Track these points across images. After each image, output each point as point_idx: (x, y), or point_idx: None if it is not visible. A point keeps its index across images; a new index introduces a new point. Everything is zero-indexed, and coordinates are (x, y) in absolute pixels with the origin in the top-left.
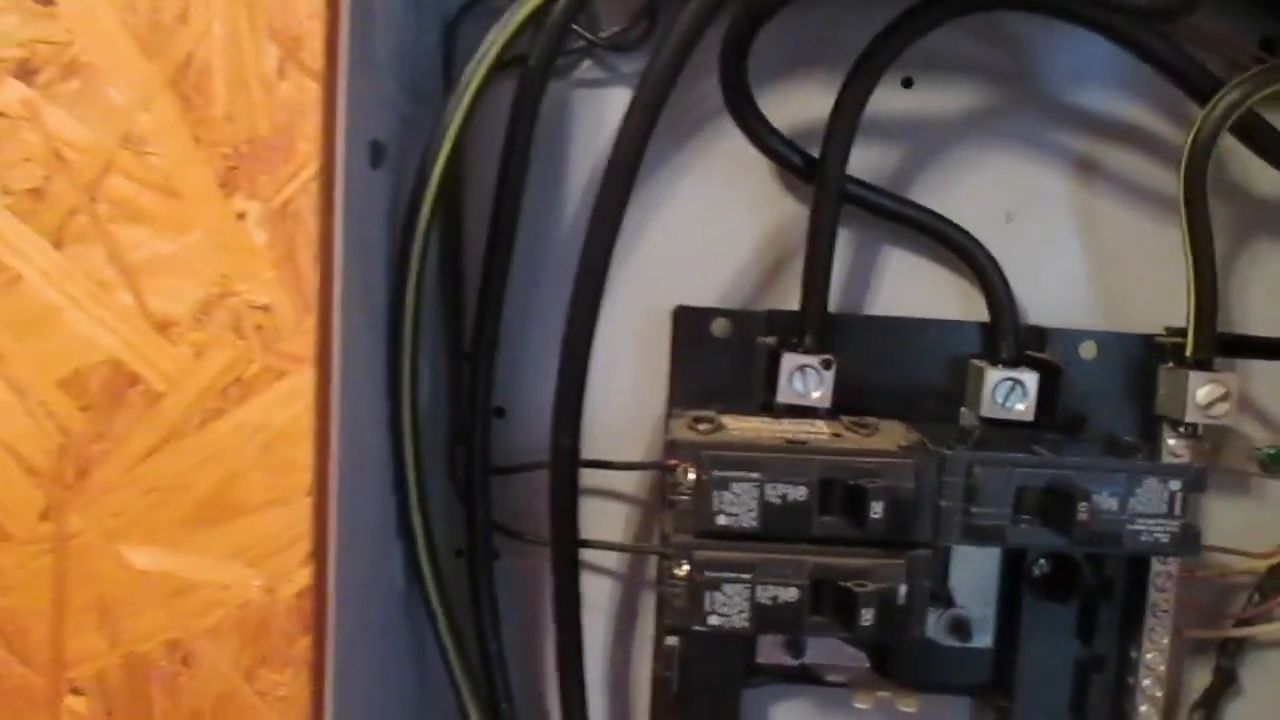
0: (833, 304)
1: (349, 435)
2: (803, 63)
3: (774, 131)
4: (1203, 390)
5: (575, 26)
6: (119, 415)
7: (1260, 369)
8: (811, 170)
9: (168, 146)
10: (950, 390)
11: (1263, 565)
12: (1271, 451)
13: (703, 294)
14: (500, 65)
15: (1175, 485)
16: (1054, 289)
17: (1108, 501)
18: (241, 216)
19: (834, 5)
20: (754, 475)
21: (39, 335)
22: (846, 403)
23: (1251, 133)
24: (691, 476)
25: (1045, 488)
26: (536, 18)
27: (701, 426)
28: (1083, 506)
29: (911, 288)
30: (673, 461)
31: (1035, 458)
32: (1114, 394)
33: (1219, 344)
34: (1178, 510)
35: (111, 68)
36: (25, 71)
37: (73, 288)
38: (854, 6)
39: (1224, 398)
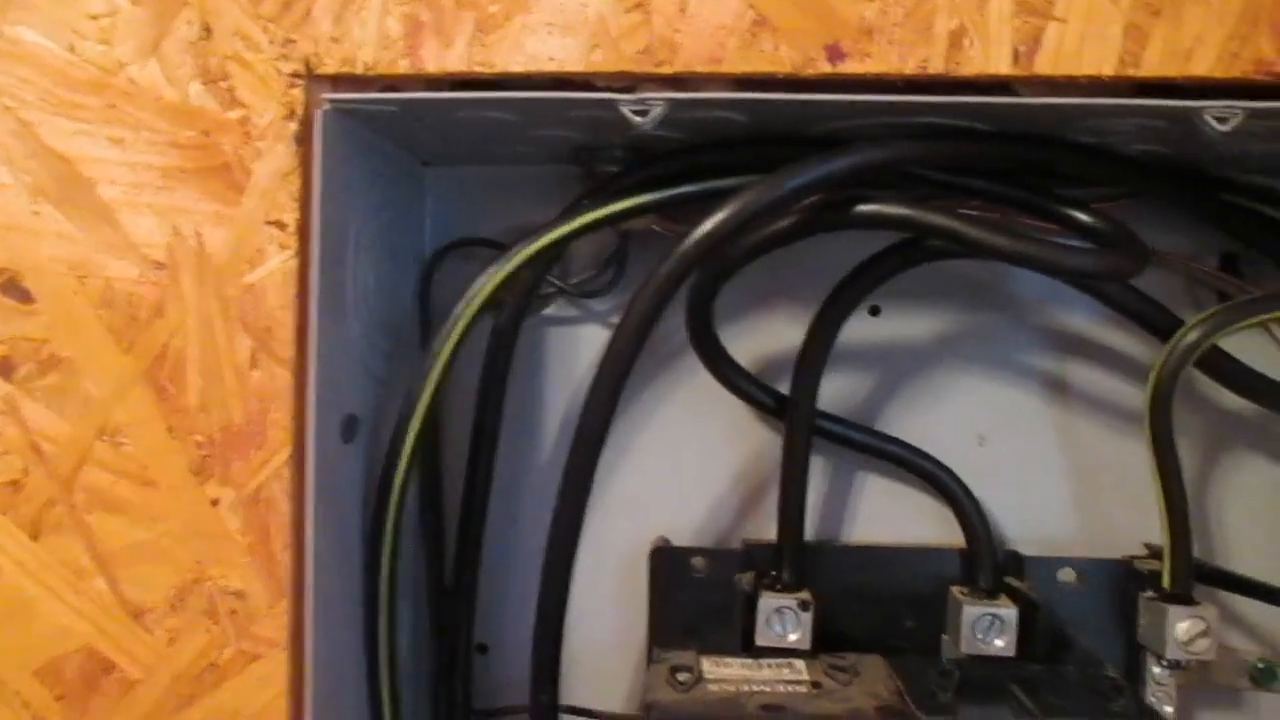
0: (810, 531)
1: (326, 713)
2: (770, 295)
3: (743, 373)
4: (1182, 626)
5: (550, 277)
6: (94, 703)
7: (1244, 570)
8: (782, 407)
9: (143, 436)
10: (932, 616)
11: None
12: (1262, 665)
13: (681, 526)
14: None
15: None
16: (1031, 510)
17: None
18: (215, 503)
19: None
20: None
21: (16, 625)
22: (829, 630)
23: (1214, 366)
24: None
25: None
26: (516, 273)
27: (681, 677)
28: None
29: (890, 513)
30: None
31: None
32: (1096, 620)
33: (1197, 574)
34: None
35: (88, 361)
36: (4, 367)
37: (49, 577)
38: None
39: (1204, 633)
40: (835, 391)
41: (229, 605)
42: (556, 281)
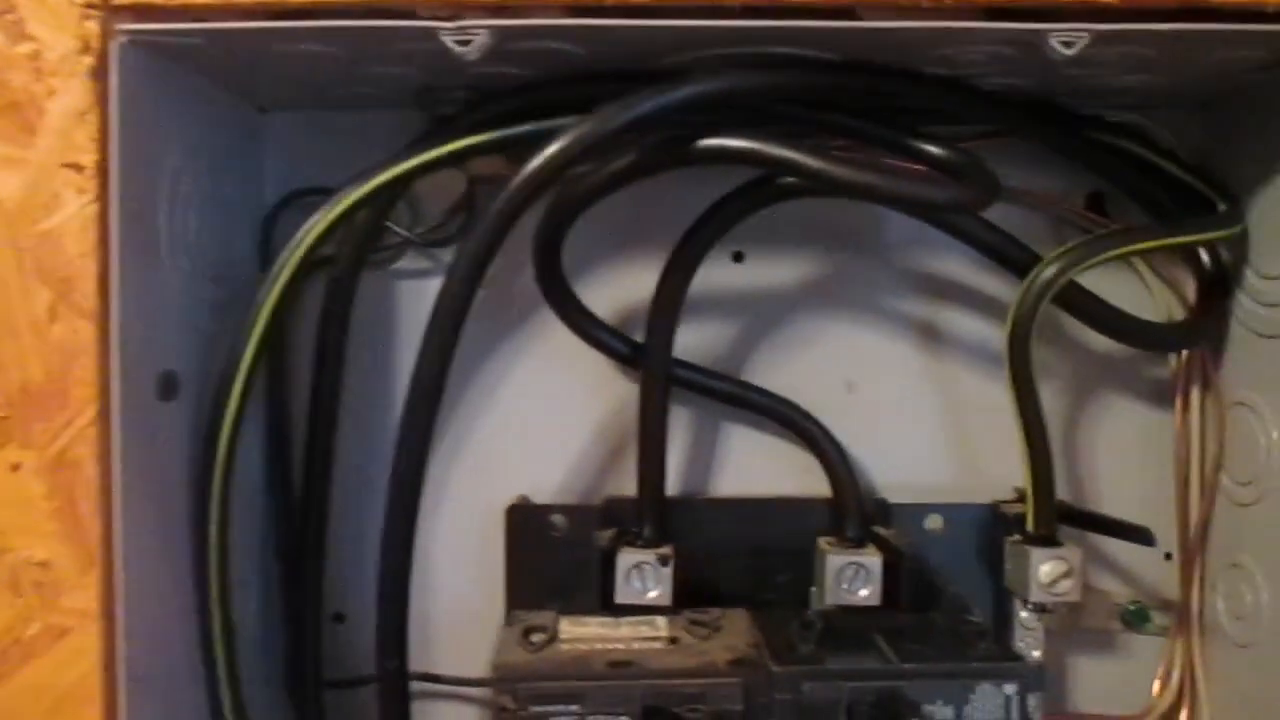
0: (676, 486)
1: (145, 686)
2: (627, 241)
3: (596, 320)
4: (1045, 568)
5: (390, 224)
6: None
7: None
8: (638, 357)
9: None
10: (803, 568)
11: None
12: (1133, 606)
13: (544, 484)
14: (313, 264)
15: (1010, 689)
16: (902, 457)
17: (942, 712)
18: (16, 468)
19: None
20: (573, 708)
21: None
22: (695, 588)
23: (1073, 303)
24: (510, 709)
25: (876, 701)
26: (348, 217)
27: (534, 639)
28: None
29: (758, 464)
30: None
31: (865, 669)
32: (964, 566)
33: (1061, 515)
34: (1015, 715)
35: None
36: None
37: None
38: (675, 183)
39: (1067, 574)
40: (699, 340)
41: (34, 577)
42: (402, 231)
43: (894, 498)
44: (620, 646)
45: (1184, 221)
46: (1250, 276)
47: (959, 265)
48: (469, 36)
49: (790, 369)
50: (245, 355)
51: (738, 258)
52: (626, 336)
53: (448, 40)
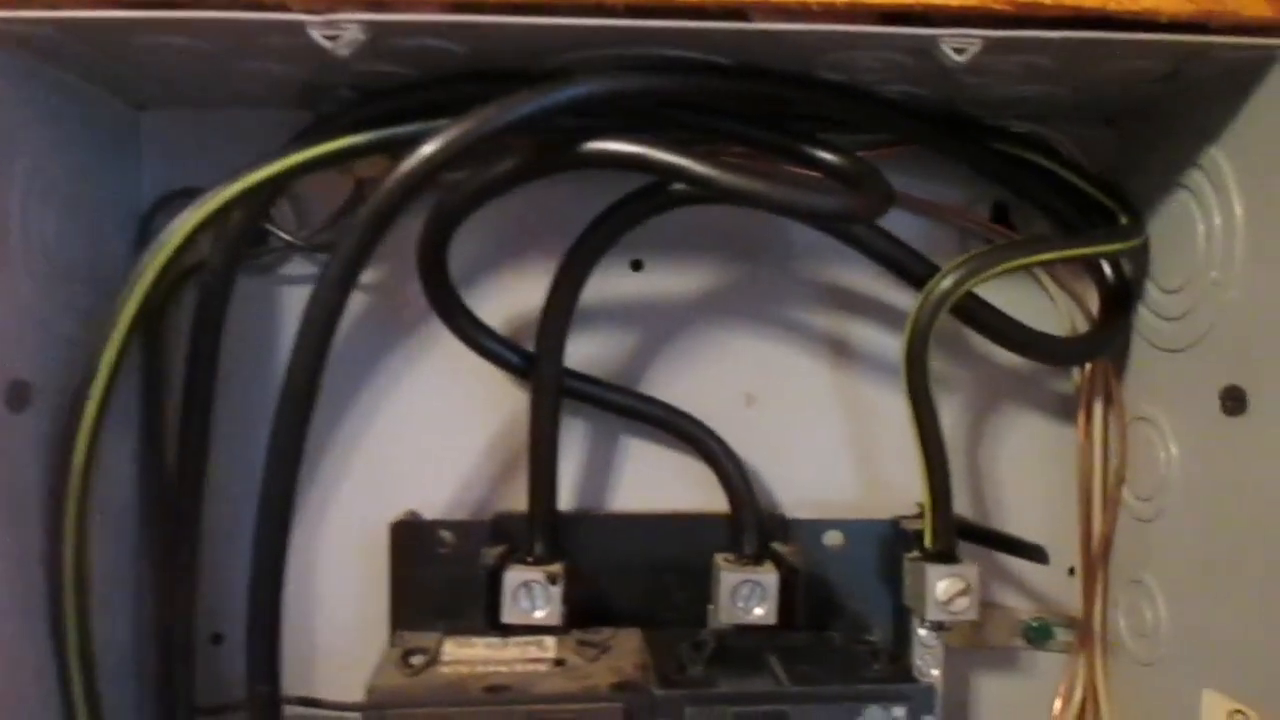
0: (570, 501)
1: None
2: (522, 248)
3: (484, 329)
4: (941, 585)
5: (271, 227)
6: None
7: (1017, 528)
8: (530, 368)
9: None
10: (701, 586)
11: None
12: (1036, 623)
13: (434, 500)
14: (193, 267)
15: (899, 712)
16: (804, 472)
17: None
18: None
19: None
20: None
21: None
22: (589, 606)
23: (972, 316)
24: None
25: None
26: (219, 218)
27: (414, 661)
28: None
29: (656, 479)
30: None
31: (750, 692)
32: (865, 583)
33: (959, 531)
34: None
35: None
36: None
37: None
38: (574, 187)
39: (963, 592)
40: (596, 351)
41: None
42: (284, 234)
43: (795, 513)
44: (503, 669)
45: (1085, 234)
46: (1151, 290)
47: (864, 276)
48: (338, 31)
49: (690, 380)
50: (102, 362)
51: (636, 266)
52: (518, 346)
53: (316, 35)
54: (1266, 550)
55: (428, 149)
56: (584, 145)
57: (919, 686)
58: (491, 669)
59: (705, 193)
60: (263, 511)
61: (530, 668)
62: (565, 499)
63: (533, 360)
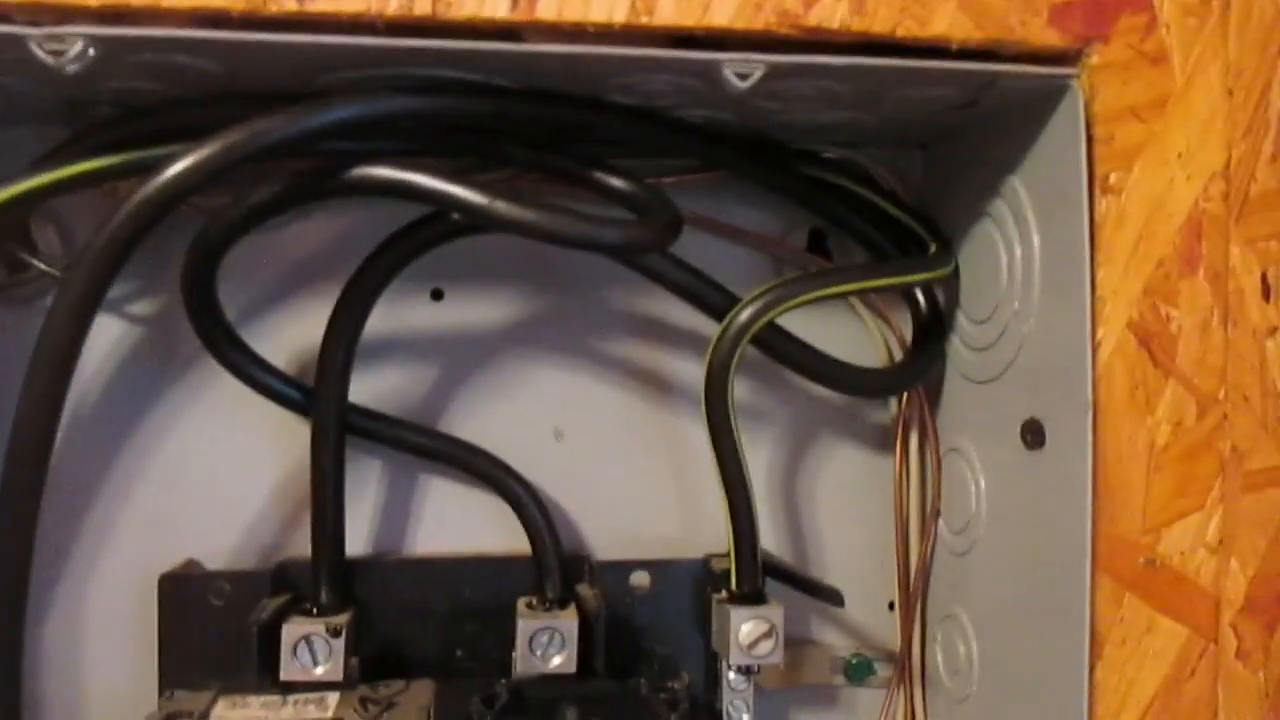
0: (366, 545)
1: None
2: (310, 278)
3: (260, 363)
4: (745, 628)
5: (24, 255)
6: None
7: (837, 563)
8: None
9: None
10: (505, 632)
11: None
12: (855, 659)
13: (216, 548)
14: None
15: None
16: (617, 509)
17: None
18: None
19: (336, 214)
20: None
21: None
22: (387, 655)
23: (775, 348)
24: None
25: None
26: None
27: None
28: None
29: (460, 520)
30: None
31: None
32: (675, 626)
33: (766, 570)
34: None
35: None
36: None
37: None
38: (359, 212)
39: (768, 634)
40: (394, 385)
41: None
42: (39, 264)
43: (608, 553)
44: None
45: (892, 262)
46: (962, 320)
47: (676, 305)
48: (63, 47)
49: (495, 415)
50: None
51: (436, 295)
52: (296, 381)
53: (38, 50)
54: (1062, 590)
55: (168, 174)
56: (349, 172)
57: None
58: None
59: (480, 223)
60: None
61: None
62: (360, 543)
63: (312, 396)
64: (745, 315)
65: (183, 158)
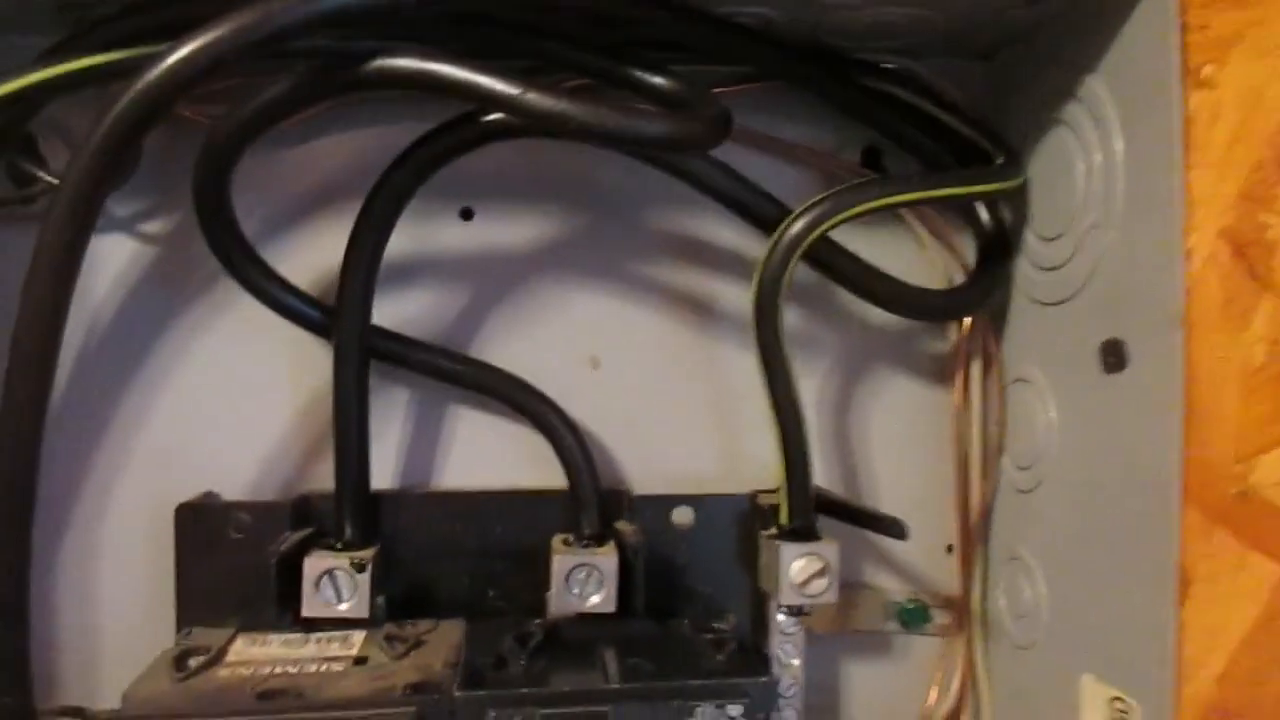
0: (391, 479)
1: None
2: (332, 195)
3: (278, 280)
4: (797, 565)
5: (28, 166)
6: None
7: (891, 502)
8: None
9: None
10: (537, 570)
11: None
12: (911, 605)
13: (234, 479)
14: None
15: (735, 711)
16: (656, 442)
17: None
18: None
19: (359, 124)
20: None
21: None
22: (415, 594)
23: (830, 265)
24: None
25: None
26: None
27: (191, 663)
28: None
29: (488, 453)
30: None
31: (562, 692)
32: (719, 565)
33: (819, 505)
34: None
35: None
36: None
37: None
38: (381, 123)
39: (821, 572)
40: (423, 309)
41: None
42: (47, 177)
43: (646, 488)
44: (290, 670)
45: (957, 172)
46: (1030, 239)
47: (721, 225)
48: None
49: (528, 342)
50: None
51: (466, 215)
52: (317, 301)
53: None
54: (1146, 525)
55: (167, 62)
56: (369, 63)
57: (758, 682)
58: (278, 670)
59: (512, 117)
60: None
61: (325, 668)
62: (385, 477)
63: (333, 316)
64: (798, 227)
65: (183, 44)
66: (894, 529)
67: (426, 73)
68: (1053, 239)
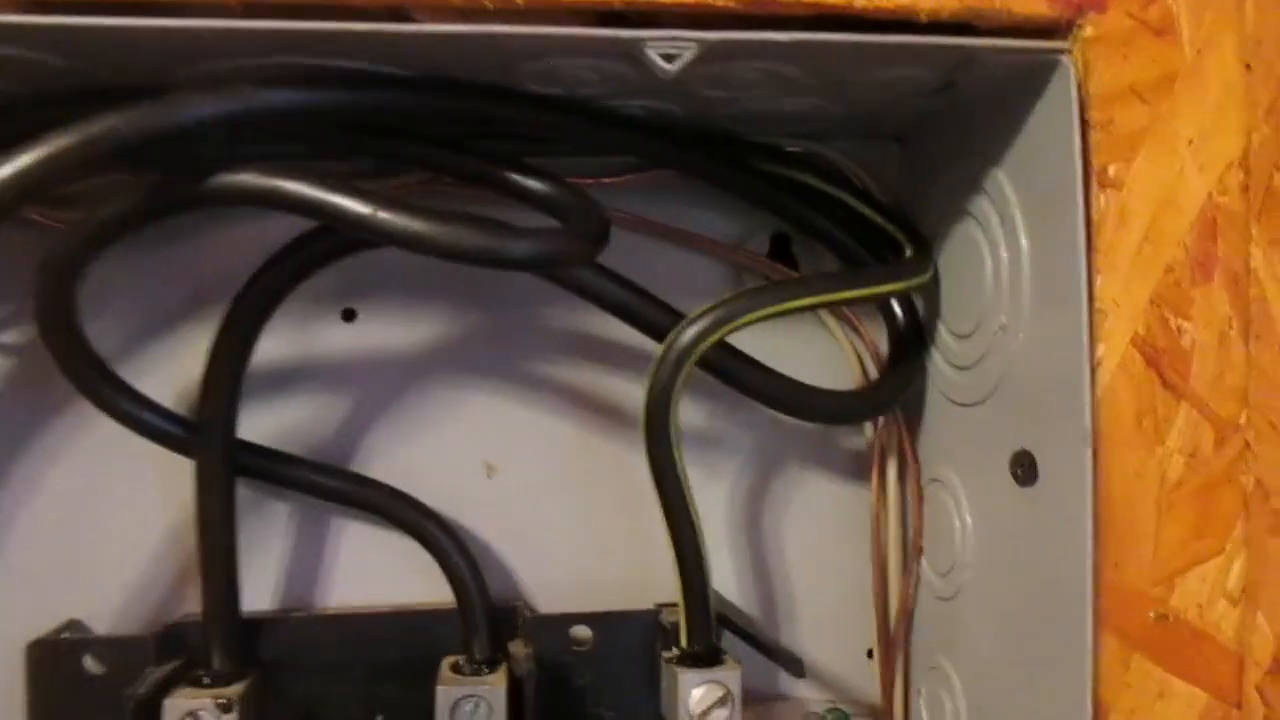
0: (275, 601)
1: None
2: (197, 304)
3: (132, 395)
4: (696, 694)
5: None
6: None
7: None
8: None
9: None
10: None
11: None
12: (831, 716)
13: (101, 608)
14: None
15: None
16: (557, 553)
17: None
18: None
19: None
20: None
21: None
22: None
23: (726, 372)
24: None
25: None
26: None
27: None
28: None
29: (377, 570)
30: None
31: None
32: (620, 687)
33: (721, 624)
34: None
35: None
36: None
37: None
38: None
39: (722, 701)
40: (305, 418)
41: None
42: None
43: (549, 603)
44: None
45: (864, 271)
46: (943, 333)
47: (619, 323)
48: None
49: (418, 449)
50: None
51: (349, 316)
52: (179, 416)
53: None
54: (1061, 649)
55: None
56: (211, 178)
57: None
58: None
59: (364, 237)
60: None
61: None
62: (263, 598)
63: (194, 432)
64: (688, 336)
65: (12, 159)
66: (793, 666)
67: (271, 190)
68: (965, 336)
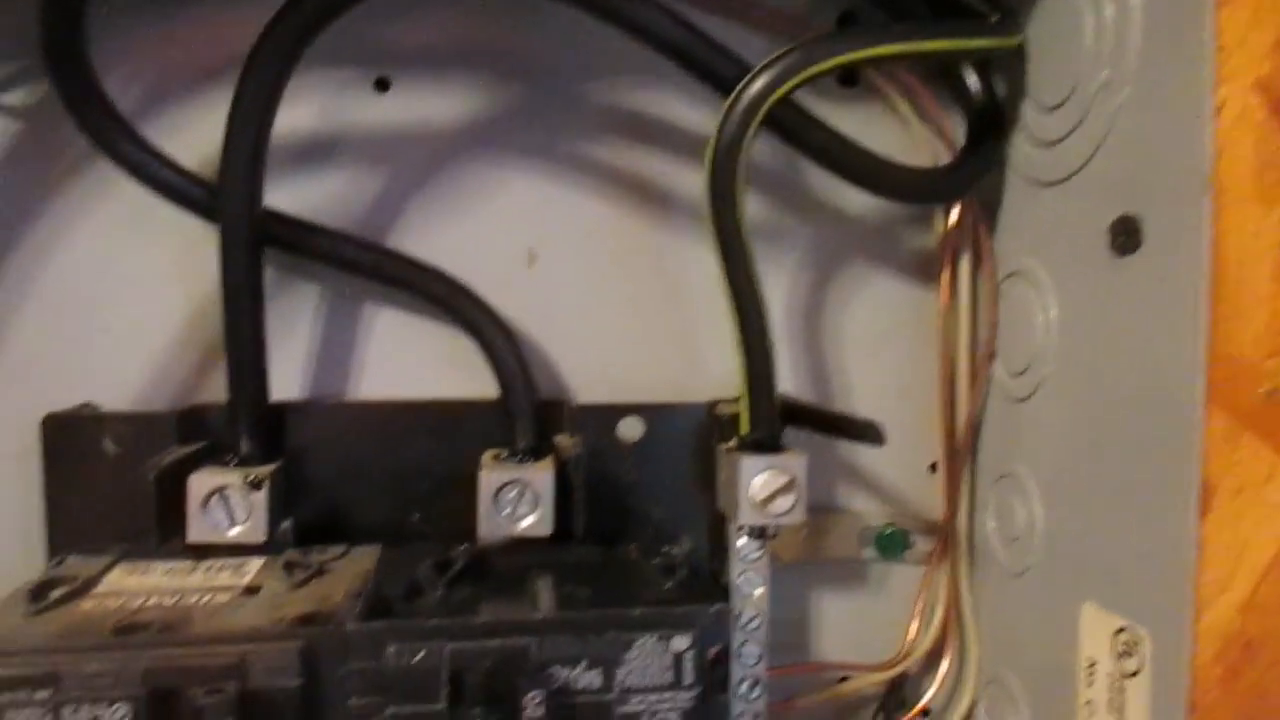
0: (301, 388)
1: None
2: (217, 62)
3: (150, 151)
4: (758, 480)
5: None
6: None
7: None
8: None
9: None
10: (467, 490)
11: (882, 678)
12: (888, 531)
13: (118, 389)
14: None
15: (681, 644)
16: (599, 346)
17: (586, 678)
18: None
19: None
20: (42, 694)
21: None
22: (329, 518)
23: (798, 135)
24: None
25: (491, 669)
26: None
27: (53, 595)
28: (532, 696)
29: (411, 359)
30: None
31: (475, 624)
32: (672, 483)
33: (785, 413)
34: (689, 678)
35: None
36: None
37: None
38: None
39: (786, 488)
40: (335, 192)
41: None
42: None
43: (588, 398)
44: (166, 602)
45: (945, 24)
46: (1027, 112)
47: (675, 101)
48: None
49: (456, 233)
50: None
51: (382, 85)
52: (203, 178)
53: None
54: (1162, 431)
55: None
56: None
57: (707, 610)
58: (151, 602)
59: None
60: None
61: (207, 599)
62: (291, 387)
63: (217, 192)
64: (759, 85)
65: None
66: (869, 433)
67: None
68: (1055, 107)
